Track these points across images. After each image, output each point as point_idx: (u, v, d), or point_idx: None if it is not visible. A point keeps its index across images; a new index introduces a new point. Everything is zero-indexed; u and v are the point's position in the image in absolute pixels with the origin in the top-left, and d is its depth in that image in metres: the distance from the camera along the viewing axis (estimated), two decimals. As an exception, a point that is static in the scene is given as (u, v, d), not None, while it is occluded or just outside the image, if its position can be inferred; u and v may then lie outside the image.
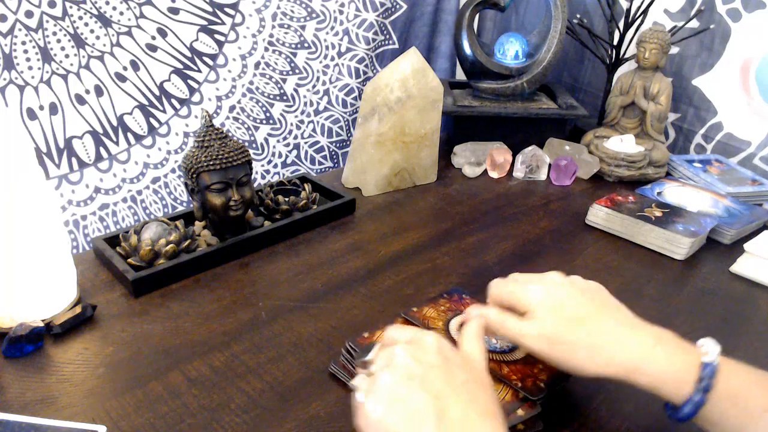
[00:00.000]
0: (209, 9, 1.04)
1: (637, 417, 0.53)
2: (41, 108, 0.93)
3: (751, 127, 1.06)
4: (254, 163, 1.11)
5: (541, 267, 0.78)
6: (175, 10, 1.01)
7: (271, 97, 1.18)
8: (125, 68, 0.99)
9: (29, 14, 0.88)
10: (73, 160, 0.99)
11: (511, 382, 0.50)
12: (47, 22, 0.90)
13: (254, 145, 1.20)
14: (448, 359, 0.40)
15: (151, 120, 1.05)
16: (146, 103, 1.03)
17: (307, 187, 0.88)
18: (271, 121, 1.20)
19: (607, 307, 0.48)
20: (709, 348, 0.44)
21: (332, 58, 1.21)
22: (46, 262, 0.60)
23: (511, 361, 0.52)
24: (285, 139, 1.23)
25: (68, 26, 0.92)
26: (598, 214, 0.88)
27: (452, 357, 0.41)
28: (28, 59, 0.90)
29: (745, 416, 0.42)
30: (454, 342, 0.49)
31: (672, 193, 0.95)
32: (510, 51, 1.13)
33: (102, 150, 1.01)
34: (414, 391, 0.37)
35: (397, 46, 1.28)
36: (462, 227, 0.88)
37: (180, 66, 1.05)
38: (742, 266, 0.78)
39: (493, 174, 1.06)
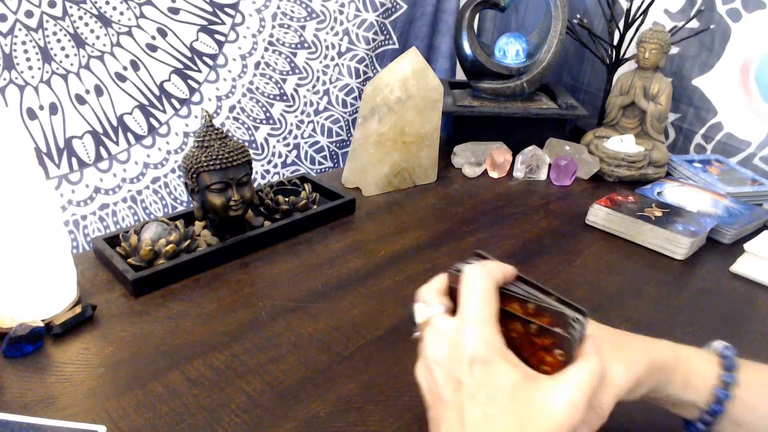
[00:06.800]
0: (209, 9, 1.04)
1: (641, 415, 0.53)
2: (41, 108, 0.93)
3: (750, 127, 1.06)
4: (254, 163, 1.11)
5: (541, 267, 0.78)
6: (175, 10, 1.01)
7: (271, 97, 1.18)
8: (125, 68, 0.99)
9: (29, 14, 0.88)
10: (73, 160, 0.99)
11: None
12: (47, 22, 0.90)
13: (254, 145, 1.20)
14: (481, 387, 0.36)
15: (151, 120, 1.05)
16: (146, 103, 1.03)
17: (307, 187, 0.88)
18: (271, 121, 1.20)
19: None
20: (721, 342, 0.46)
21: (332, 58, 1.21)
22: (46, 262, 0.60)
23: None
24: (285, 139, 1.23)
25: (68, 26, 0.92)
26: (598, 214, 0.88)
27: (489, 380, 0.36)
28: (28, 59, 0.90)
29: None
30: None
31: (672, 193, 0.95)
32: (510, 51, 1.13)
33: (102, 150, 1.01)
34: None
35: (397, 46, 1.28)
36: (462, 227, 0.88)
37: (180, 66, 1.05)
38: (742, 266, 0.78)
39: (493, 174, 1.06)
